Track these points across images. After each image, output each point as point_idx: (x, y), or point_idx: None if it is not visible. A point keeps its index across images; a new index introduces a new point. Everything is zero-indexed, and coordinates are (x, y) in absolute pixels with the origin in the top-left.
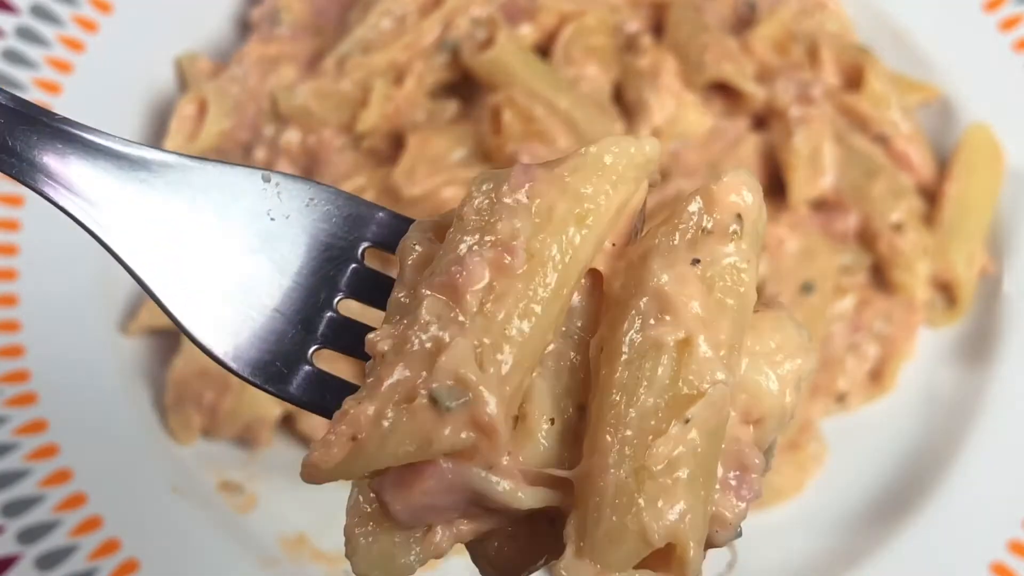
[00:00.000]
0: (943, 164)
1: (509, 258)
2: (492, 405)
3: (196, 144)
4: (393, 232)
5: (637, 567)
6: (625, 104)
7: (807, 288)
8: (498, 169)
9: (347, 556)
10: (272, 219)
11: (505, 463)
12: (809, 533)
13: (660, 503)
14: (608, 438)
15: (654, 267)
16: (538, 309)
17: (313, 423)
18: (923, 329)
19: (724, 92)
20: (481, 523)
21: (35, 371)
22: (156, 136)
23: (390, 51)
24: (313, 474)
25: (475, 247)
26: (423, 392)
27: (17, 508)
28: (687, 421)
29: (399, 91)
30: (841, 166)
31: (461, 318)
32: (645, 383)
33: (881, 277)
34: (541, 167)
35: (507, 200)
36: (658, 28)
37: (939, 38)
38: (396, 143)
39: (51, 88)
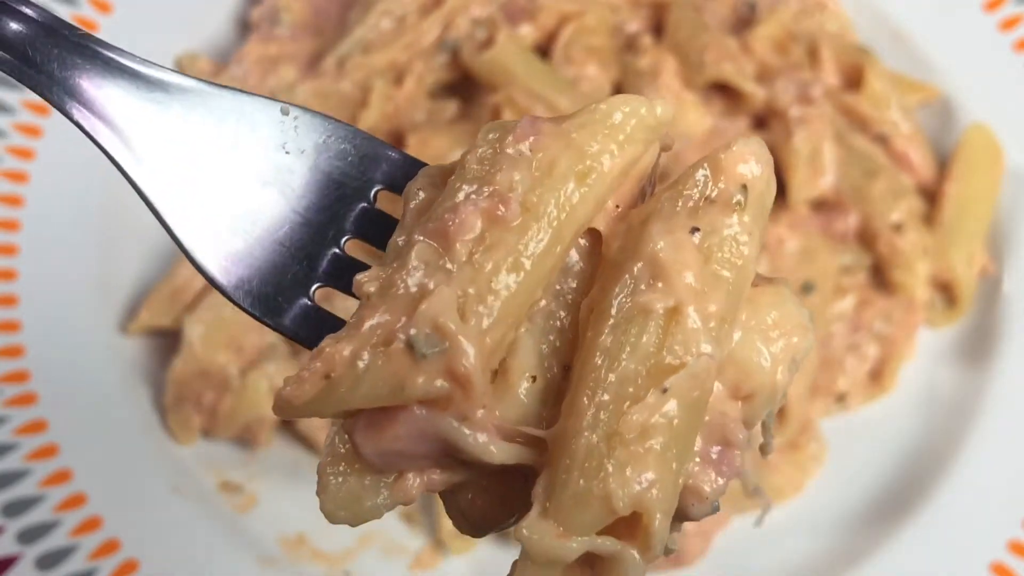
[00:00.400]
0: (943, 164)
1: (503, 210)
2: (469, 356)
3: None
4: (407, 176)
5: (602, 533)
6: None
7: (807, 288)
8: (506, 121)
9: (317, 494)
10: (287, 152)
11: (480, 416)
12: (809, 533)
13: (628, 471)
14: (585, 401)
15: (652, 232)
16: (528, 264)
17: (311, 423)
18: (923, 329)
19: (724, 92)
20: (453, 474)
21: (35, 371)
22: None
23: (390, 51)
24: (284, 408)
25: (472, 196)
26: (401, 337)
27: (17, 508)
28: (665, 391)
29: (399, 91)
30: (841, 166)
31: (449, 266)
32: (628, 348)
33: (881, 277)
34: (549, 121)
35: (510, 151)
36: (658, 28)
37: (939, 38)
38: (396, 143)
39: None
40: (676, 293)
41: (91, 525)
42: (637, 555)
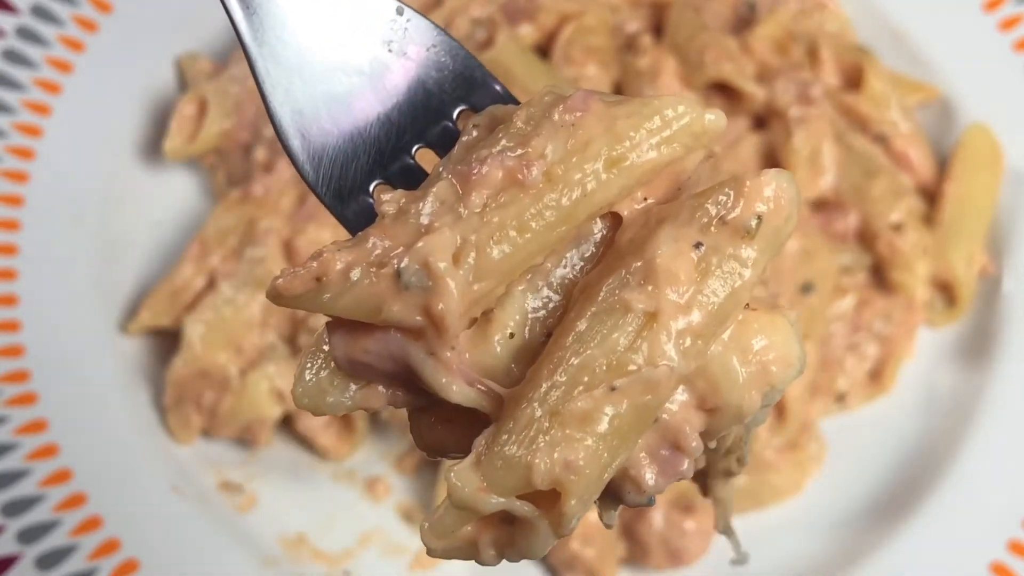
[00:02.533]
0: (943, 164)
1: (525, 174)
2: (448, 300)
3: (196, 144)
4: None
5: (523, 497)
6: None
7: (807, 288)
8: (567, 86)
9: (294, 378)
10: (390, 51)
11: (448, 355)
12: (809, 533)
13: (557, 452)
14: (544, 373)
15: (660, 235)
16: (532, 231)
17: (311, 424)
18: (923, 329)
19: (724, 92)
20: (416, 399)
21: (35, 371)
22: (156, 136)
23: None
24: (273, 296)
25: (505, 152)
26: (394, 263)
27: (17, 508)
28: (614, 389)
29: None
30: (841, 166)
31: (461, 210)
32: (599, 339)
33: (881, 277)
34: (601, 100)
35: (555, 118)
36: (658, 28)
37: (939, 38)
38: None
39: (51, 88)
40: (659, 300)
41: (91, 525)
42: (548, 527)
